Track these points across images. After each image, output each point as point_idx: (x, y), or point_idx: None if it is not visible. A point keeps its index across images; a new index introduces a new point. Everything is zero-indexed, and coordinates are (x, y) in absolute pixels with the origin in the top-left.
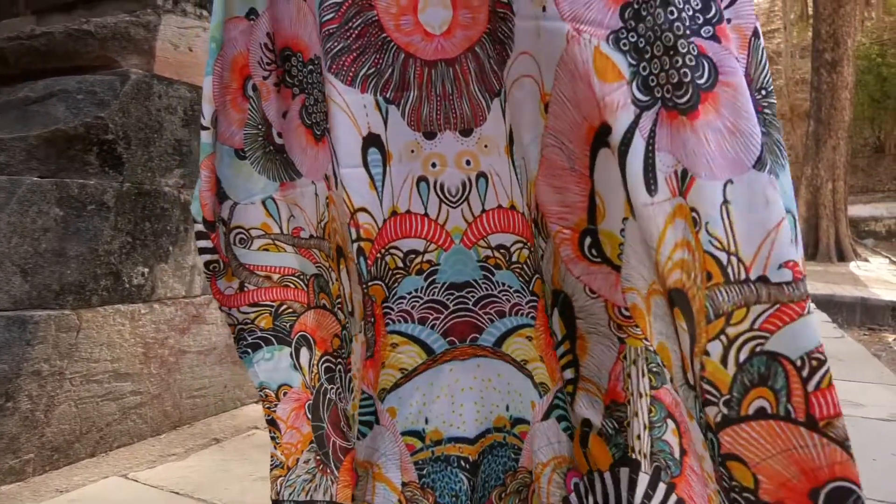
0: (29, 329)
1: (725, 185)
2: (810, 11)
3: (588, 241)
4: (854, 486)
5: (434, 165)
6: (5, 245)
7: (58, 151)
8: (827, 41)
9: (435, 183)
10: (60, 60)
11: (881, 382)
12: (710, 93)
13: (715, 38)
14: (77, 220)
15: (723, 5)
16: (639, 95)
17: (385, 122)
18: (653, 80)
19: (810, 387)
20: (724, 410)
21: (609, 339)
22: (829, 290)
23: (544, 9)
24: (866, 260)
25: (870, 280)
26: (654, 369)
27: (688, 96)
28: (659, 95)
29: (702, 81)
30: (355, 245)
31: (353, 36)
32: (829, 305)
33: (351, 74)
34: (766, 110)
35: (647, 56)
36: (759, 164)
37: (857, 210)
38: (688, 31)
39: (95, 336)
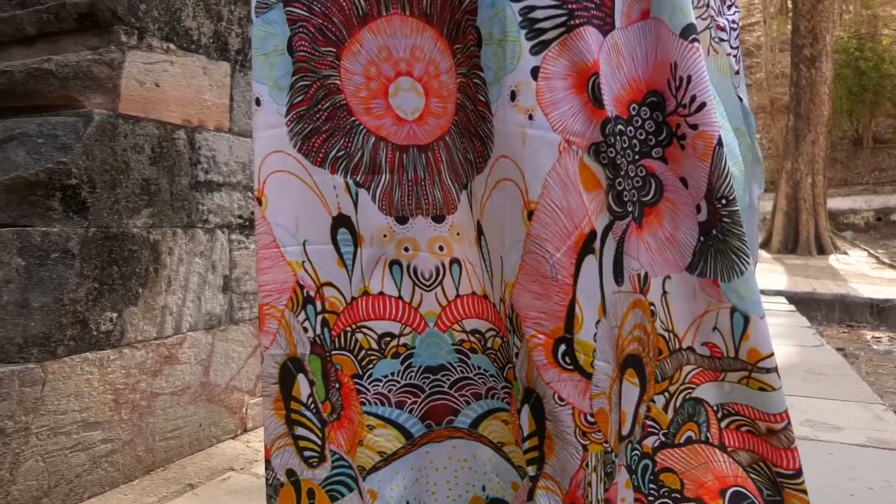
0: None
1: (664, 280)
2: (790, 5)
3: (563, 348)
4: (750, 495)
5: (407, 249)
6: None
7: (19, 198)
8: (806, 37)
9: (408, 266)
10: (21, 99)
11: (859, 400)
12: (654, 208)
13: (663, 158)
14: (40, 269)
15: (691, 110)
16: (614, 206)
17: (355, 205)
18: (626, 195)
19: (723, 425)
20: (662, 439)
21: (574, 447)
22: (810, 288)
23: (531, 117)
24: (845, 253)
25: (849, 274)
26: (609, 470)
27: (636, 209)
28: (631, 210)
29: (647, 198)
30: (319, 317)
31: (323, 118)
32: (810, 303)
33: (321, 155)
34: (726, 219)
35: (621, 172)
36: (690, 267)
37: (837, 203)
38: (637, 156)
39: (62, 387)
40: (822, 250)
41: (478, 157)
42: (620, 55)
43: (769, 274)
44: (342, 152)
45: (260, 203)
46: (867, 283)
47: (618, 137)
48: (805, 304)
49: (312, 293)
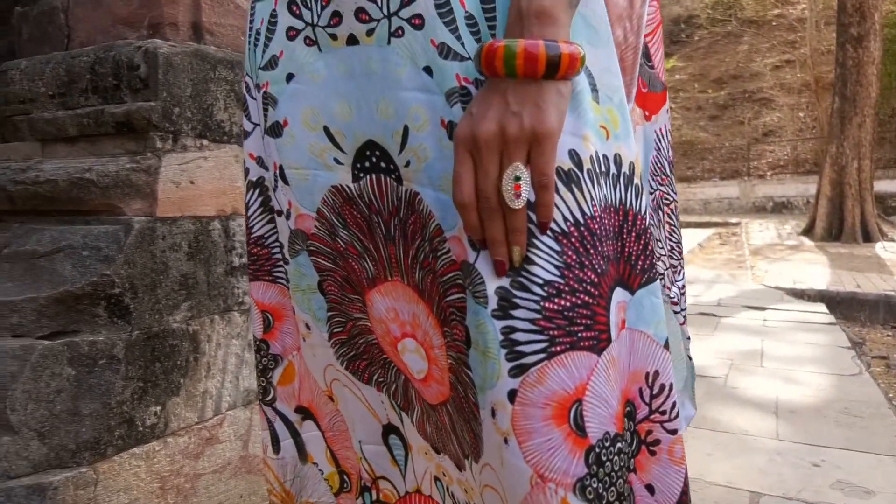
0: (48, 496)
1: None
2: None
3: None
4: None
5: (444, 475)
6: (22, 413)
7: (67, 308)
8: (853, 15)
9: (447, 488)
10: (65, 205)
11: (894, 455)
12: None
13: (633, 468)
14: (89, 376)
15: (671, 416)
16: None
17: (402, 421)
18: None
19: None
20: None
21: None
22: (853, 284)
23: (506, 441)
24: (892, 240)
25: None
26: None
27: None
28: None
29: None
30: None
31: (361, 349)
32: (852, 303)
33: (366, 376)
34: None
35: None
36: None
37: (885, 185)
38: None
39: (112, 484)
40: (868, 237)
41: (473, 450)
42: (616, 369)
43: (811, 266)
44: (382, 379)
45: (332, 399)
46: None
47: (604, 464)
48: (847, 304)
49: (369, 484)
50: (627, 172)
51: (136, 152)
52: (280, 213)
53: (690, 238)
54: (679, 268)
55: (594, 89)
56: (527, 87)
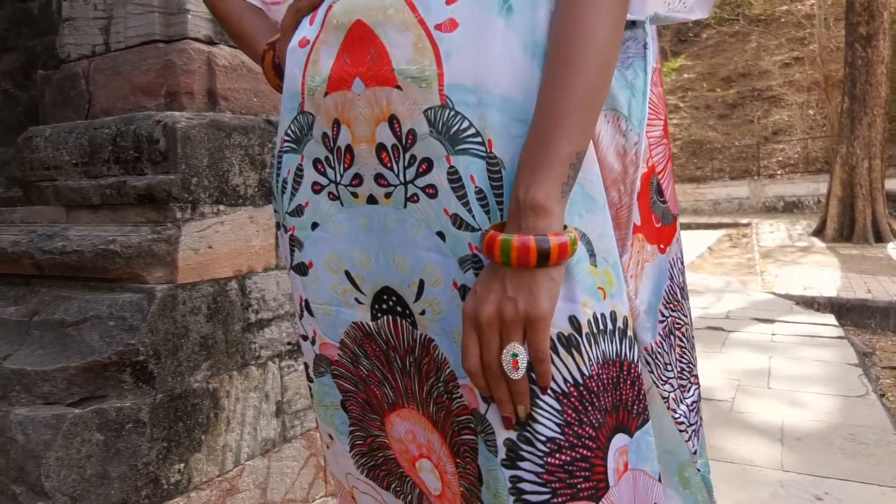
0: None
1: None
2: None
3: None
4: None
5: None
6: (55, 479)
7: (95, 375)
8: (861, 14)
9: None
10: (90, 273)
11: None
12: None
13: None
14: (117, 441)
15: None
16: None
17: None
18: None
19: None
20: None
21: None
22: (864, 288)
23: None
24: None
25: None
26: None
27: None
28: None
29: None
30: None
31: (380, 461)
32: (863, 311)
33: (384, 484)
34: None
35: None
36: None
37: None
38: None
39: None
40: (879, 238)
41: None
42: None
43: (822, 269)
44: (399, 489)
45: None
46: None
47: None
48: (857, 311)
49: None
50: (622, 326)
51: (157, 222)
52: (305, 337)
53: (700, 241)
54: (689, 386)
55: (592, 255)
56: (521, 275)
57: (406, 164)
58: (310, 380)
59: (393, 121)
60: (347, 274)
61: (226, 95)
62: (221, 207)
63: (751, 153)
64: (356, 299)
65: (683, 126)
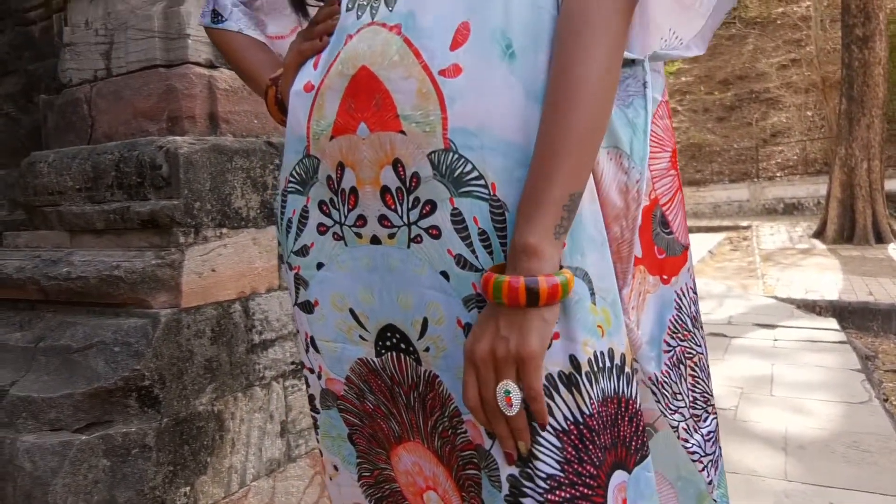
0: None
1: None
2: None
3: None
4: None
5: None
6: None
7: (101, 401)
8: (857, 16)
9: None
10: (95, 298)
11: None
12: None
13: None
14: (123, 466)
15: None
16: None
17: None
18: None
19: None
20: None
21: None
22: (866, 291)
23: None
24: None
25: None
26: None
27: None
28: None
29: None
30: None
31: (387, 494)
32: (865, 314)
33: None
34: None
35: None
36: None
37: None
38: None
39: None
40: (880, 239)
41: None
42: None
43: (823, 272)
44: None
45: None
46: None
47: None
48: (859, 314)
49: None
50: (619, 363)
51: (161, 246)
52: (312, 371)
53: (701, 245)
54: (704, 415)
55: (592, 293)
56: (514, 315)
57: (410, 206)
58: (315, 411)
59: (397, 164)
60: (352, 311)
61: (227, 118)
62: (224, 230)
63: (750, 155)
64: (360, 336)
65: (682, 129)
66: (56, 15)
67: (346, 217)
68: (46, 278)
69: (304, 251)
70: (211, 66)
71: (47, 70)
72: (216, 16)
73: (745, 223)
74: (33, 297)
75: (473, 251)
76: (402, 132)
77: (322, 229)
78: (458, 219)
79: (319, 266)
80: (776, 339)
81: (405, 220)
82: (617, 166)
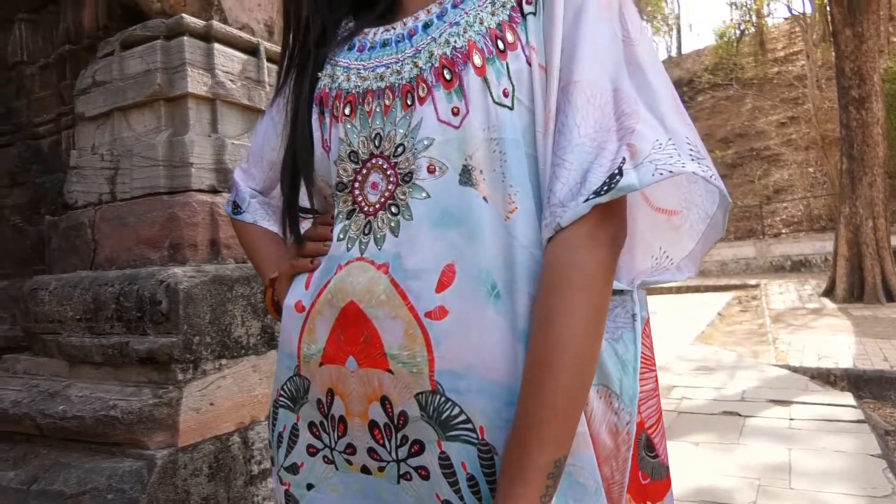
0: None
1: None
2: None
3: None
4: None
5: None
6: None
7: None
8: (852, 78)
9: None
10: (91, 438)
11: None
12: None
13: None
14: None
15: None
16: None
17: None
18: None
19: None
20: None
21: None
22: (880, 356)
23: None
24: None
25: None
26: None
27: None
28: None
29: None
30: None
31: None
32: (881, 383)
33: None
34: None
35: None
36: None
37: None
38: None
39: None
40: (891, 297)
41: None
42: None
43: (835, 334)
44: None
45: None
46: None
47: None
48: (876, 382)
49: None
50: None
51: (158, 383)
52: None
53: (709, 306)
54: None
55: None
56: None
57: (398, 444)
58: None
59: (385, 401)
60: None
61: (228, 244)
62: (224, 361)
63: (754, 213)
64: None
65: None
66: (65, 132)
67: (335, 443)
68: (42, 416)
69: (293, 469)
70: (213, 191)
71: (54, 184)
72: (236, 207)
73: (753, 281)
74: (30, 432)
75: (462, 498)
76: (390, 371)
77: (312, 450)
78: (446, 463)
79: (309, 487)
80: (792, 419)
81: (393, 456)
82: (606, 406)
